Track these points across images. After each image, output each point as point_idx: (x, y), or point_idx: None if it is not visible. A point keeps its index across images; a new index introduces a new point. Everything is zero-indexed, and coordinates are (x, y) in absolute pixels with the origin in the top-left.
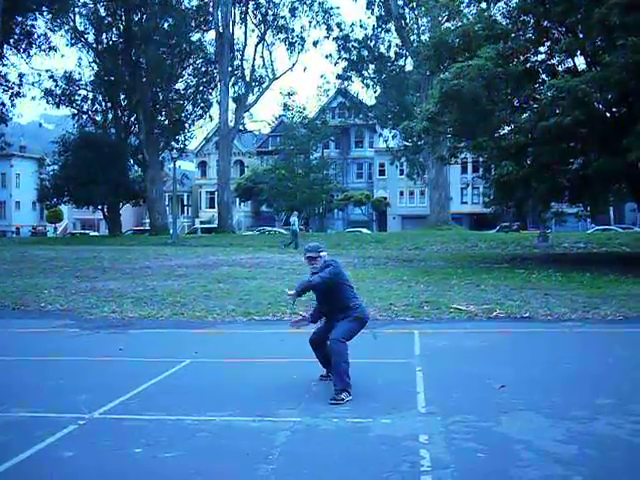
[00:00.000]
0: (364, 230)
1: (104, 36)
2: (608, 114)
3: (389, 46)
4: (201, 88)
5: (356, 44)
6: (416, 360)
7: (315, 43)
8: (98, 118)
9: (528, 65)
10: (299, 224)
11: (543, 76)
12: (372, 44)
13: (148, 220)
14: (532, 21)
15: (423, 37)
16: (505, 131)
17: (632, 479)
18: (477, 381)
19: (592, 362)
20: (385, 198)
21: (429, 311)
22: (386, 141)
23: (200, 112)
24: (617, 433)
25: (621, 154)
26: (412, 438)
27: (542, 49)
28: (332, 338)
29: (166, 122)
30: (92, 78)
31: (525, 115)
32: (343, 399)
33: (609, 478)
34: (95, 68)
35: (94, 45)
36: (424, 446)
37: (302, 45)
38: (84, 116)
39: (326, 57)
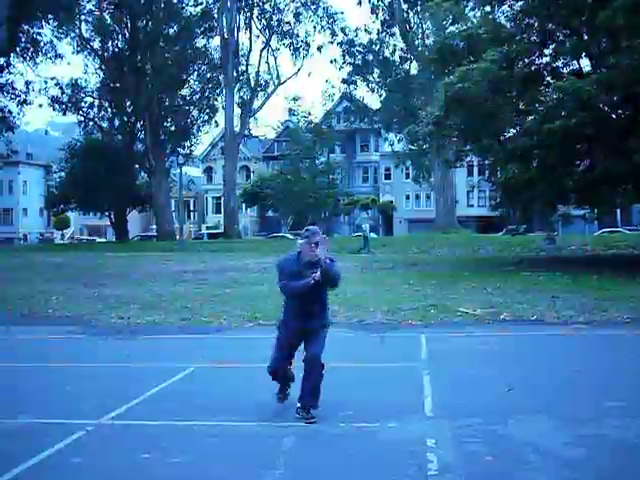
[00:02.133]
0: (370, 234)
1: (110, 43)
2: (614, 116)
3: (394, 50)
4: (206, 94)
5: (361, 49)
6: (423, 364)
7: (320, 48)
8: (104, 125)
9: (533, 68)
10: (369, 229)
11: (548, 78)
12: (377, 48)
13: (155, 226)
14: (536, 24)
15: (427, 41)
16: (510, 134)
17: None
18: (484, 384)
19: (600, 365)
20: (391, 202)
21: (436, 315)
22: (391, 145)
23: (206, 118)
24: (625, 436)
25: (627, 155)
26: (419, 442)
27: (547, 51)
28: (317, 353)
29: (172, 128)
30: (98, 85)
31: (530, 118)
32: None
33: None
34: (101, 75)
35: (100, 52)
36: (431, 450)
37: (307, 50)
38: (90, 123)
39: (331, 62)
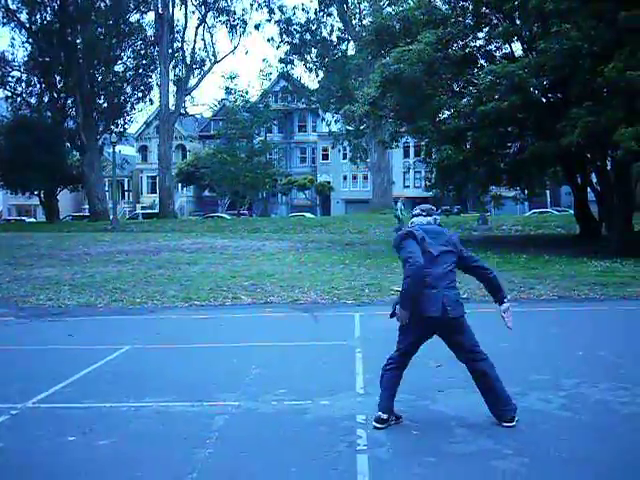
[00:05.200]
0: (308, 214)
1: (38, 15)
2: (544, 99)
3: (331, 30)
4: (141, 70)
5: (298, 28)
6: (356, 342)
7: (257, 26)
8: (33, 101)
9: (467, 50)
10: (403, 210)
11: (482, 61)
12: (314, 28)
13: (87, 206)
14: (471, 7)
15: (365, 22)
16: (445, 115)
17: (559, 451)
18: (414, 361)
19: (527, 341)
20: (329, 182)
21: (370, 294)
22: (329, 125)
23: (140, 95)
24: (547, 407)
25: (555, 138)
26: (350, 419)
27: (480, 35)
28: (486, 356)
29: (105, 105)
30: (26, 59)
31: (464, 100)
32: None
33: (537, 451)
34: (29, 49)
35: (27, 25)
36: (361, 426)
37: (244, 28)
38: (18, 99)
39: (268, 41)
